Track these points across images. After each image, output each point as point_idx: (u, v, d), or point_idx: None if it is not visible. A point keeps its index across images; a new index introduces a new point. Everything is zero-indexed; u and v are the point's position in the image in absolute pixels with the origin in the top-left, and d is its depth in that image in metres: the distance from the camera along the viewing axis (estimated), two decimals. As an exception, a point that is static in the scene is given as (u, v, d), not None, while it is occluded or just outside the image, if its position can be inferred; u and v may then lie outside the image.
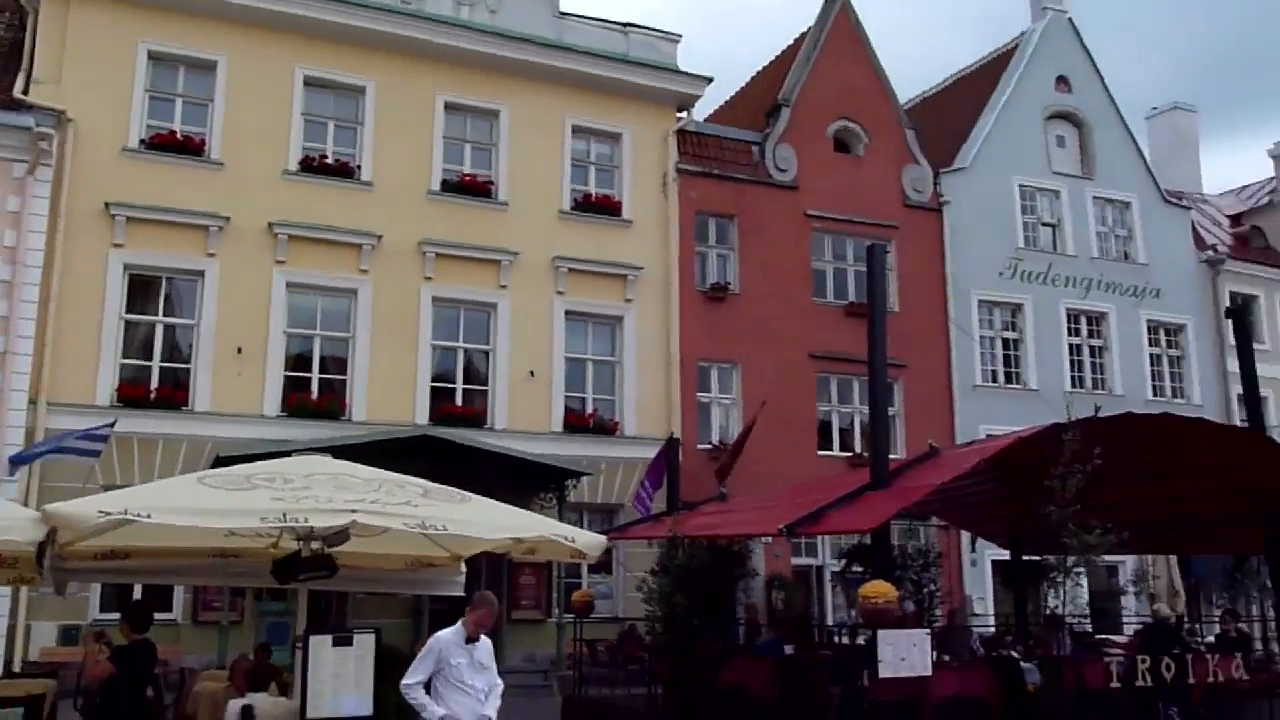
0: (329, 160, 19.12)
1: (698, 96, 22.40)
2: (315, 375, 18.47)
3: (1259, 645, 16.47)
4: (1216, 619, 18.93)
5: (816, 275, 22.76)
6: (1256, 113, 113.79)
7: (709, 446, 20.21)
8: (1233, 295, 26.91)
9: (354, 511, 6.75)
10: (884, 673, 9.92)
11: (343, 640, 7.65)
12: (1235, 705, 12.99)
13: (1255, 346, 19.11)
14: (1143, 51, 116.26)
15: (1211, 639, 16.38)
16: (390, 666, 7.73)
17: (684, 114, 22.26)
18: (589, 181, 21.34)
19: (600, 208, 21.04)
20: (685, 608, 13.07)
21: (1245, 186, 33.77)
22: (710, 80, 22.26)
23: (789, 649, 13.68)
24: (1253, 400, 17.14)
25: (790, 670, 12.76)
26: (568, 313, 20.28)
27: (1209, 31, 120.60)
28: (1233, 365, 19.85)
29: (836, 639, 15.63)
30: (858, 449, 21.28)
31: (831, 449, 22.07)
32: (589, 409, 20.24)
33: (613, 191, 21.34)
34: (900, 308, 22.74)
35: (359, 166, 19.30)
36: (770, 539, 15.92)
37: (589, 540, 8.07)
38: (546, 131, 20.76)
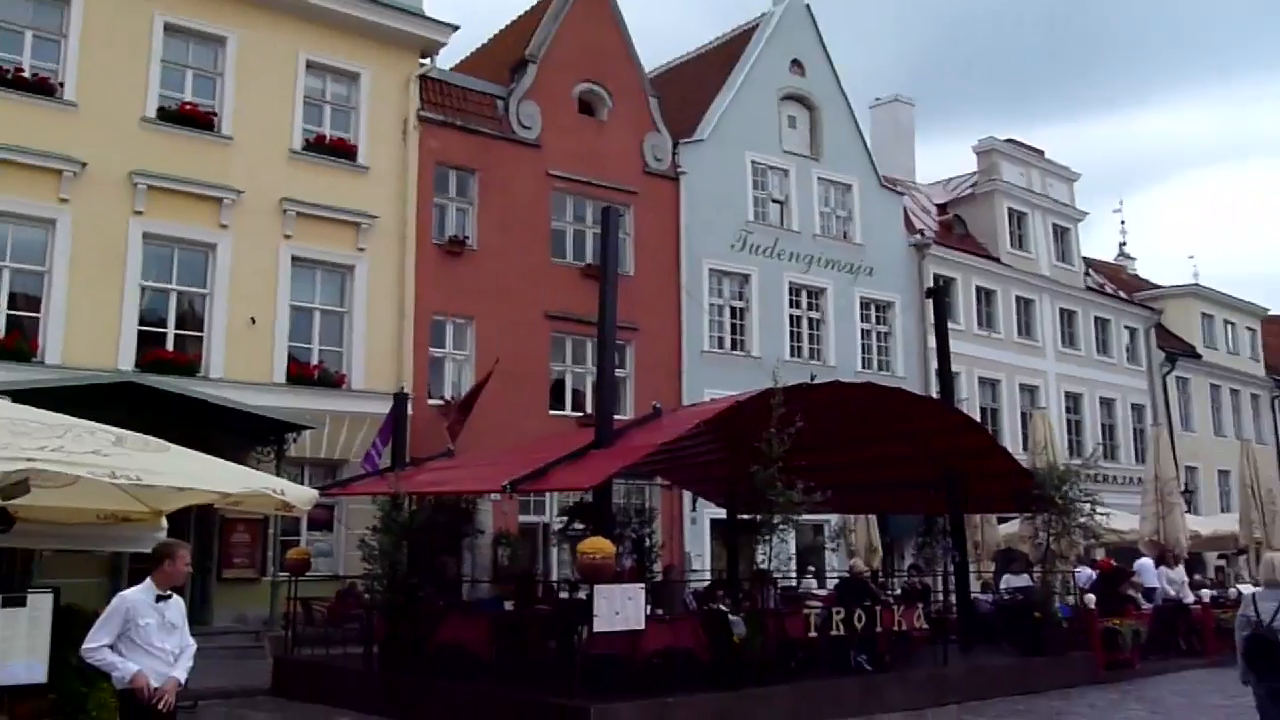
0: (25, 75, 17.28)
1: (443, 44, 21.82)
2: (3, 312, 16.75)
3: (939, 596, 18.08)
4: (905, 573, 20.67)
5: (556, 235, 22.84)
6: (966, 110, 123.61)
7: (440, 402, 19.91)
8: (935, 277, 29.25)
9: (31, 460, 6.15)
10: (599, 626, 10.15)
11: (13, 600, 7.00)
12: (915, 650, 14.21)
13: (951, 325, 20.88)
14: (870, 44, 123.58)
15: (899, 591, 17.86)
16: (72, 628, 7.13)
17: (427, 60, 21.64)
18: (323, 122, 20.36)
19: (334, 150, 20.14)
20: (406, 565, 12.87)
21: (952, 178, 36.69)
22: (456, 28, 21.74)
23: (509, 605, 13.76)
24: (945, 374, 18.73)
25: (507, 626, 12.84)
26: (295, 259, 19.33)
27: (929, 32, 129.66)
28: (932, 342, 21.57)
29: (558, 595, 15.86)
30: (589, 409, 21.61)
31: (564, 409, 22.30)
32: (315, 360, 19.45)
33: (349, 134, 20.49)
34: (635, 272, 23.20)
35: (61, 84, 17.54)
36: (497, 496, 15.92)
37: (299, 494, 7.73)
38: (278, 65, 19.62)
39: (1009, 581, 18.21)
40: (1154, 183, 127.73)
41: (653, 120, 24.59)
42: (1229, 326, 42.12)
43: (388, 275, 20.26)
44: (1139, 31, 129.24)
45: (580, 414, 21.85)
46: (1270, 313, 46.60)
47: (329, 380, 19.35)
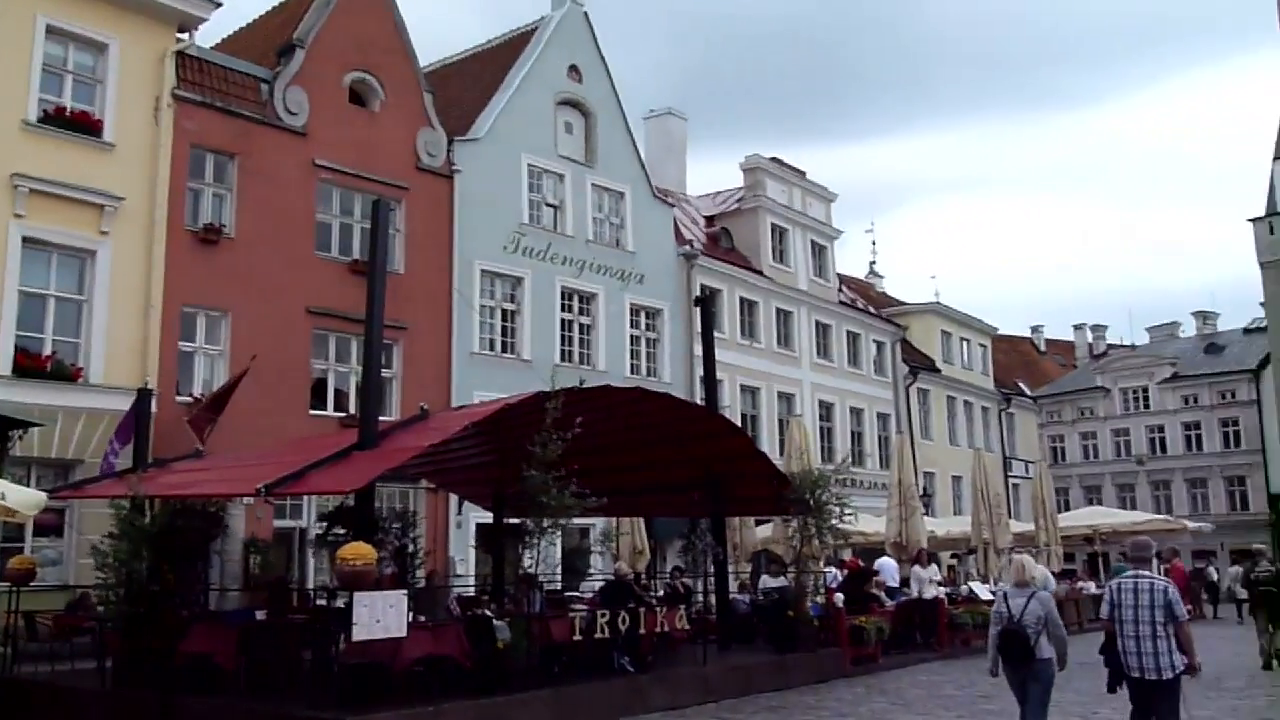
0: None
1: (203, 19, 20.51)
2: None
3: (700, 598, 18.54)
4: (669, 575, 21.07)
5: (321, 228, 21.94)
6: (736, 128, 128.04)
7: (190, 399, 18.70)
8: (702, 287, 30.09)
9: None
10: (358, 635, 9.77)
11: None
12: (677, 651, 14.50)
13: (716, 334, 21.49)
14: (647, 56, 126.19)
15: (662, 593, 18.19)
16: None
17: (186, 36, 20.31)
18: (64, 93, 18.74)
19: (76, 124, 18.54)
20: (145, 574, 11.97)
21: (720, 192, 37.89)
22: (219, 4, 20.54)
23: (261, 614, 13.06)
24: (710, 381, 19.23)
25: (258, 636, 12.17)
26: (26, 240, 17.66)
27: (703, 51, 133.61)
28: (698, 349, 22.14)
29: (315, 603, 15.20)
30: (352, 409, 20.86)
31: (325, 409, 21.45)
32: (47, 351, 17.84)
33: (93, 109, 18.93)
34: (405, 270, 22.62)
35: None
36: (250, 500, 15.09)
37: (23, 498, 7.04)
38: (13, 27, 17.90)
39: (766, 582, 18.92)
40: (902, 206, 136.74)
41: (426, 115, 24.07)
42: (964, 343, 45.53)
43: (134, 262, 18.83)
44: (890, 66, 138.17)
45: (343, 414, 21.07)
46: (1000, 332, 50.77)
47: (63, 373, 17.78)
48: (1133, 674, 7.76)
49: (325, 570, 18.39)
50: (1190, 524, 35.43)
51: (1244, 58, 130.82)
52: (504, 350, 25.12)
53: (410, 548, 14.86)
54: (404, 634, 10.17)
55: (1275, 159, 44.25)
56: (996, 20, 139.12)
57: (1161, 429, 56.52)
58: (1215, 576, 35.46)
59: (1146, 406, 57.28)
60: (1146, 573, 8.00)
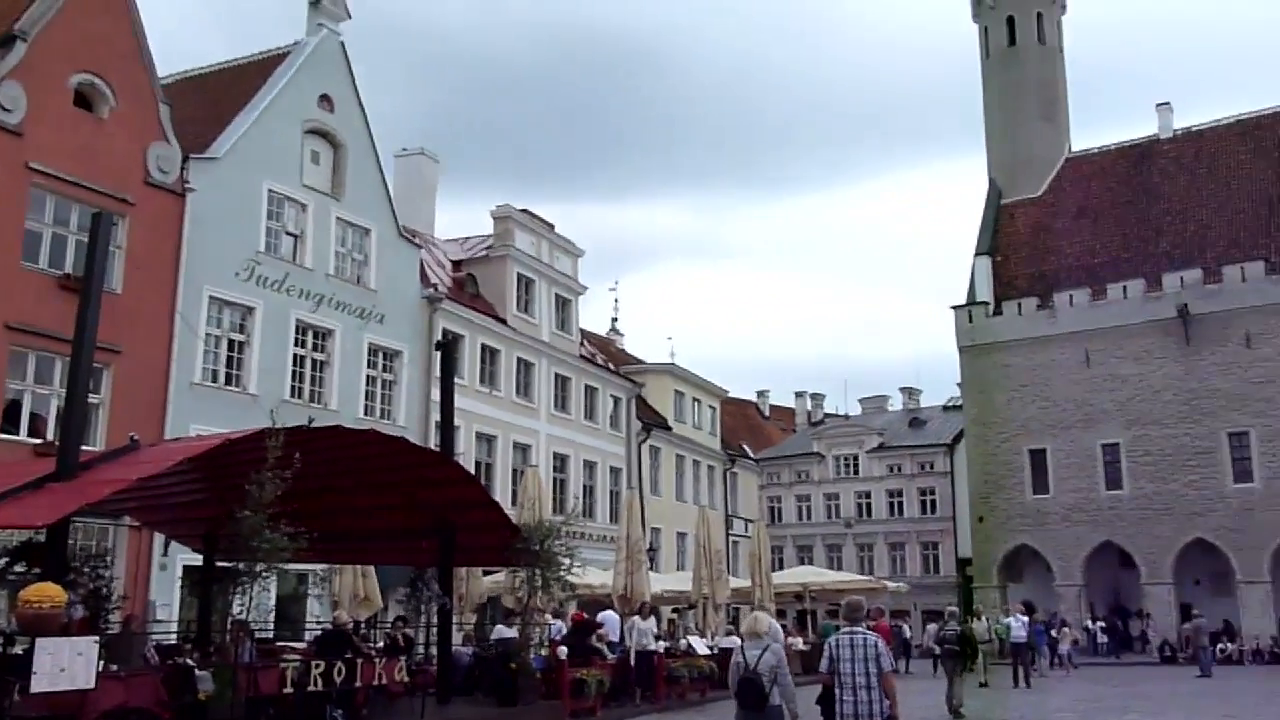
0: None
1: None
2: None
3: (421, 649, 18.06)
4: (390, 625, 20.40)
5: (31, 237, 20.08)
6: (489, 175, 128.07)
7: None
8: (445, 331, 29.73)
9: None
10: (39, 686, 8.87)
11: None
12: (394, 704, 14.03)
13: (456, 380, 21.24)
14: (402, 94, 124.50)
15: (382, 644, 17.59)
16: None
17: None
18: None
19: None
20: None
21: (469, 238, 37.73)
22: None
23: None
24: (448, 427, 18.94)
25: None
26: None
27: (463, 96, 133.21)
28: (436, 394, 21.78)
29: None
30: (51, 436, 19.08)
31: (18, 433, 19.50)
32: None
33: None
34: (124, 290, 21.05)
35: None
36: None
37: None
38: None
39: (500, 632, 18.69)
40: (646, 267, 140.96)
41: (161, 128, 22.65)
42: (696, 403, 47.25)
43: None
44: (639, 130, 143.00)
45: (39, 441, 19.24)
46: (729, 395, 53.05)
47: None
48: None
49: (4, 612, 16.63)
50: (890, 584, 38.08)
51: (962, 161, 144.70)
52: (228, 383, 23.77)
53: (106, 590, 13.68)
54: (92, 684, 9.31)
55: (976, 254, 48.97)
56: (739, 102, 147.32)
57: (869, 494, 60.61)
58: (908, 634, 38.16)
59: (856, 473, 61.31)
60: (860, 629, 8.59)
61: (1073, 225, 48.39)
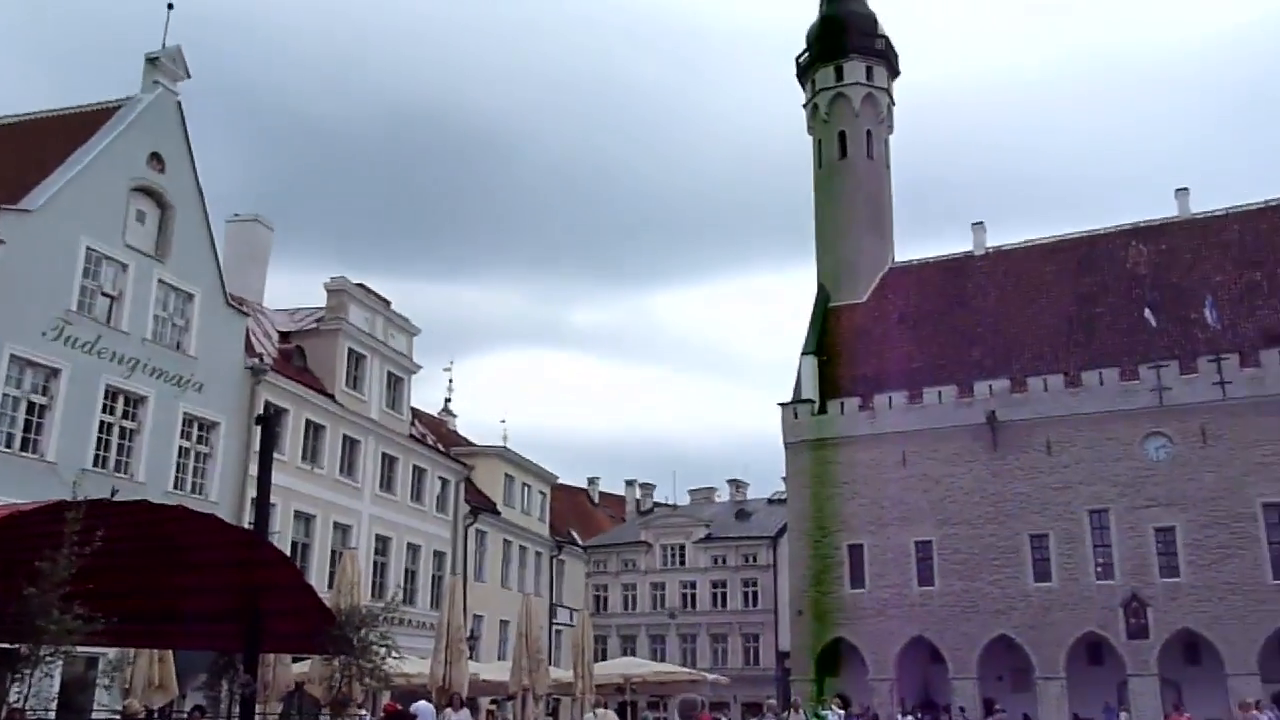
0: None
1: None
2: None
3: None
4: (185, 714, 19.13)
5: None
6: (326, 245, 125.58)
7: None
8: (268, 405, 28.64)
9: None
10: None
11: None
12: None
13: (276, 456, 20.47)
14: (240, 159, 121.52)
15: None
16: None
17: None
18: None
19: None
20: None
21: (300, 309, 36.73)
22: None
23: None
24: (264, 505, 18.14)
25: None
26: None
27: (303, 164, 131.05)
28: (254, 469, 20.88)
29: None
30: None
31: None
32: None
33: None
34: (-87, 344, 19.53)
35: None
36: None
37: None
38: None
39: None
40: (483, 348, 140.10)
41: (-29, 176, 21.37)
42: (526, 488, 46.79)
43: None
44: (481, 210, 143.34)
45: None
46: (560, 480, 52.82)
47: None
48: None
49: None
50: (710, 676, 38.12)
51: (796, 263, 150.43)
52: (24, 448, 22.19)
53: None
54: None
55: (804, 354, 50.77)
56: (581, 194, 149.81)
57: (694, 585, 60.94)
58: (727, 727, 38.19)
59: (682, 563, 61.65)
60: None
61: (894, 331, 50.82)
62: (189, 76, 27.51)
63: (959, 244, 54.26)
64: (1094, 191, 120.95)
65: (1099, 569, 42.00)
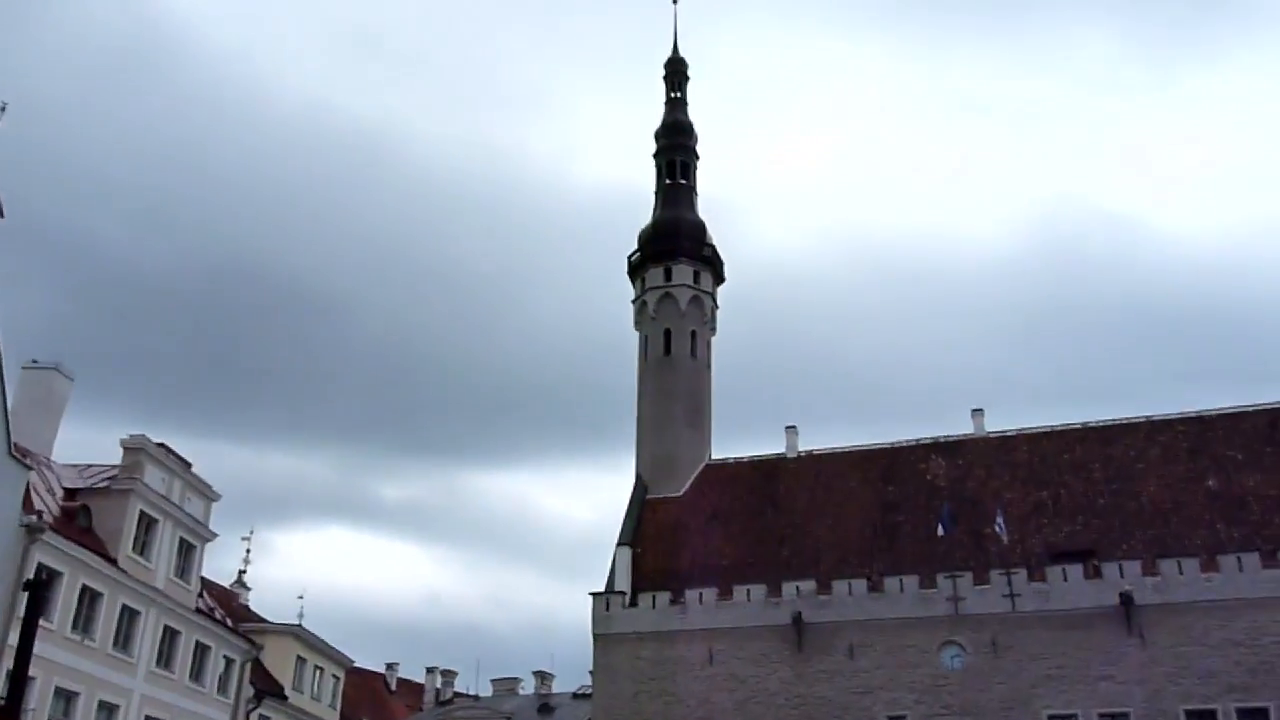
0: None
1: None
2: None
3: None
4: None
5: None
6: (128, 403, 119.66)
7: None
8: (40, 567, 26.41)
9: None
10: None
11: None
12: None
13: (43, 624, 18.74)
14: (48, 306, 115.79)
15: None
16: None
17: None
18: None
19: None
20: None
21: (92, 465, 34.53)
22: None
23: None
24: (20, 680, 16.52)
25: None
26: None
27: (99, 316, 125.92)
28: (14, 638, 18.99)
29: None
30: None
31: None
32: None
33: None
34: None
35: None
36: None
37: None
38: None
39: None
40: (285, 520, 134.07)
41: None
42: (319, 671, 44.16)
43: None
44: (286, 375, 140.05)
45: None
46: (356, 664, 50.09)
47: None
48: None
49: None
50: None
51: (617, 454, 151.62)
52: None
53: None
54: None
55: (618, 544, 50.67)
56: (397, 369, 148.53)
57: (489, 784, 57.88)
58: None
59: (480, 759, 58.63)
60: None
61: (707, 527, 51.44)
62: (3, 216, 26.38)
63: (773, 445, 56.01)
64: (899, 404, 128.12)
65: (897, 777, 42.17)
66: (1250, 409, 48.50)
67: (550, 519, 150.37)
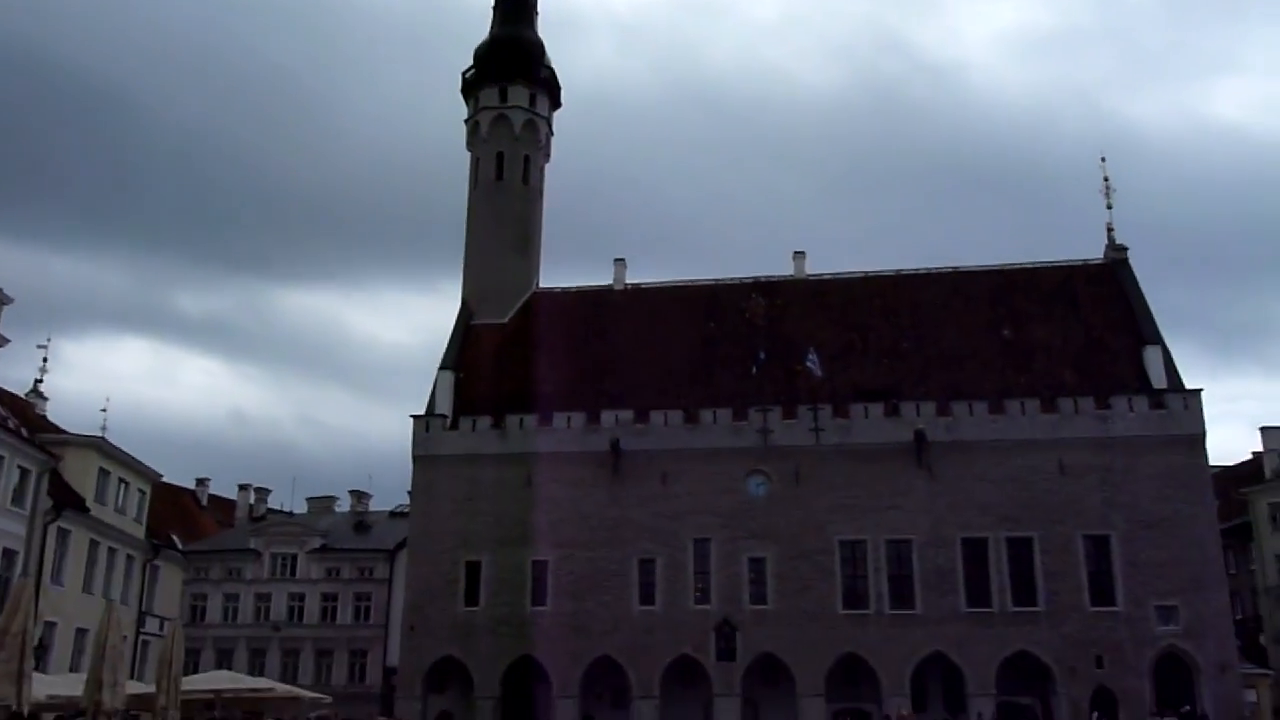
0: None
1: None
2: None
3: None
4: None
5: None
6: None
7: None
8: None
9: None
10: None
11: None
12: None
13: None
14: None
15: None
16: None
17: None
18: None
19: None
20: None
21: None
22: None
23: None
24: None
25: None
26: None
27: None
28: None
29: None
30: None
31: None
32: None
33: None
34: None
35: None
36: None
37: None
38: None
39: None
40: (86, 330, 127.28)
41: None
42: (124, 485, 42.83)
43: None
44: (89, 173, 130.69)
45: None
46: (164, 479, 48.88)
47: None
48: None
49: None
50: (309, 694, 36.56)
51: (442, 277, 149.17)
52: None
53: None
54: None
55: (441, 368, 50.52)
56: (199, 175, 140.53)
57: (303, 597, 58.39)
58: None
59: (293, 574, 58.93)
60: None
61: (531, 354, 51.81)
62: None
63: (601, 277, 56.32)
64: (724, 243, 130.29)
65: (698, 594, 44.85)
66: (1047, 265, 51.68)
67: (368, 341, 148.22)
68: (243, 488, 71.26)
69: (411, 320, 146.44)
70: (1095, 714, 39.57)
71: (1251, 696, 42.52)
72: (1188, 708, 39.38)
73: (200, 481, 72.37)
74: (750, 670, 43.86)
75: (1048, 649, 41.97)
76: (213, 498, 72.08)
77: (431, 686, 46.03)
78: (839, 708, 42.88)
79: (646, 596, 45.09)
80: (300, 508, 67.61)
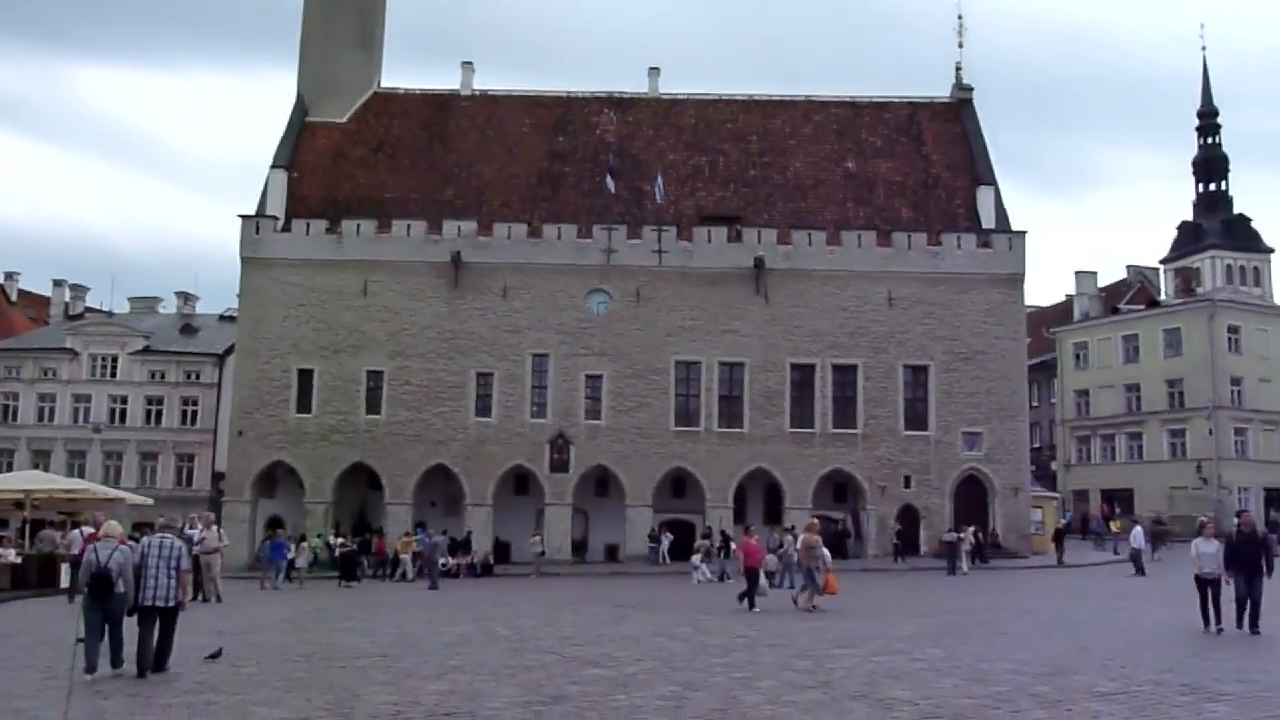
0: None
1: None
2: None
3: None
4: None
5: None
6: None
7: None
8: None
9: None
10: None
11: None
12: None
13: None
14: None
15: None
16: None
17: None
18: None
19: None
20: None
21: None
22: None
23: None
24: None
25: None
26: None
27: None
28: None
29: None
30: None
31: None
32: None
33: None
34: None
35: None
36: None
37: None
38: None
39: None
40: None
41: None
42: (-82, 275, 39.75)
43: None
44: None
45: None
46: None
47: None
48: (148, 603, 11.82)
49: None
50: (131, 496, 35.83)
51: (277, 69, 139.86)
52: None
53: None
54: None
55: (273, 167, 48.01)
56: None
57: (125, 400, 56.40)
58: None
59: (114, 376, 56.70)
60: (168, 536, 12.49)
61: (370, 157, 49.78)
62: None
63: (447, 80, 53.92)
64: (578, 53, 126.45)
65: (534, 408, 45.37)
66: (896, 100, 52.18)
67: (193, 135, 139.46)
68: (58, 283, 67.38)
69: (236, 112, 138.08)
70: (897, 527, 42.56)
71: (1038, 516, 46.42)
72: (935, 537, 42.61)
73: (9, 275, 68.04)
74: (582, 481, 45.12)
75: (862, 468, 44.54)
76: (23, 293, 68.01)
77: (262, 492, 45.74)
78: (665, 518, 44.76)
79: (483, 409, 45.37)
80: (122, 308, 64.52)
